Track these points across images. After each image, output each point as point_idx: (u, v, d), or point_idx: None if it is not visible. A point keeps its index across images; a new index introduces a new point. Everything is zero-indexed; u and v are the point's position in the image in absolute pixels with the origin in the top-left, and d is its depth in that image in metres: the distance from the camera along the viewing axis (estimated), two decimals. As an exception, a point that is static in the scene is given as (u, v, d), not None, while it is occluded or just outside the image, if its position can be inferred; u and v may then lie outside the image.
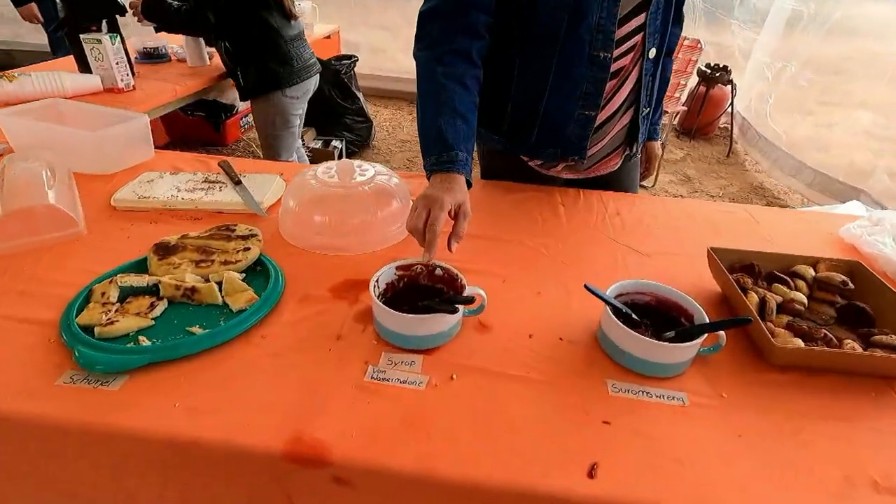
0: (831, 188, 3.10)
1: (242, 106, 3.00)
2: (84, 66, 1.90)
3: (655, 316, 0.77)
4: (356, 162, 1.04)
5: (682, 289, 0.77)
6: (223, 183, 1.16)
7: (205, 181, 1.16)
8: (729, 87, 4.01)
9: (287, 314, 0.79)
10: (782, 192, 3.47)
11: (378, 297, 0.75)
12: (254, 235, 0.93)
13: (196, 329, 0.73)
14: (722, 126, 4.39)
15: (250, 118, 3.06)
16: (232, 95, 2.98)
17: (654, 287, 0.78)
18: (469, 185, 0.91)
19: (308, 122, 3.54)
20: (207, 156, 1.34)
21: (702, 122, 4.18)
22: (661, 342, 0.67)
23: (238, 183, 1.14)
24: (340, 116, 3.51)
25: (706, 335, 0.70)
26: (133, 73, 1.98)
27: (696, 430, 0.64)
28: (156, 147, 1.33)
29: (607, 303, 0.72)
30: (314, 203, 0.97)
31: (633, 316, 0.74)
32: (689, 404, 0.67)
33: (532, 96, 1.09)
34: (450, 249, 0.81)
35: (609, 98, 1.08)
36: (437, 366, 0.71)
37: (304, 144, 3.10)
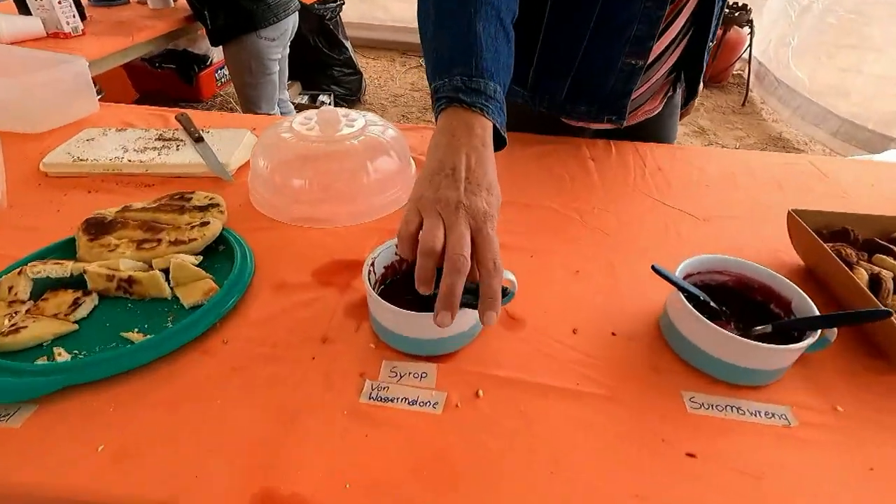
0: (858, 137, 2.89)
1: (218, 56, 2.72)
2: (23, 8, 1.63)
3: (736, 302, 0.60)
4: (341, 110, 0.83)
5: (753, 261, 0.60)
6: (181, 141, 0.95)
7: (158, 139, 0.95)
8: (746, 28, 3.70)
9: (257, 309, 0.61)
10: (803, 143, 3.25)
11: (374, 287, 0.56)
12: (215, 205, 0.74)
13: (135, 335, 0.55)
14: (735, 73, 4.11)
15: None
16: (205, 45, 2.69)
17: (735, 264, 0.60)
18: (503, 143, 0.58)
19: (292, 76, 3.26)
20: (165, 108, 1.12)
21: (716, 69, 3.89)
22: (764, 344, 0.49)
23: (199, 140, 0.93)
24: (327, 68, 3.22)
25: (818, 331, 0.52)
26: (83, 17, 1.72)
27: (811, 461, 0.47)
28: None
29: (682, 289, 0.54)
30: (290, 163, 0.77)
31: (712, 304, 0.56)
32: (796, 424, 0.50)
33: (566, 39, 0.87)
34: (487, 323, 0.46)
35: (658, 36, 0.86)
36: (457, 378, 0.53)
37: (288, 99, 2.84)
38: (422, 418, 0.49)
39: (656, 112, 1.05)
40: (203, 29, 1.91)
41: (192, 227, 0.68)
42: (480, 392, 0.51)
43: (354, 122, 0.81)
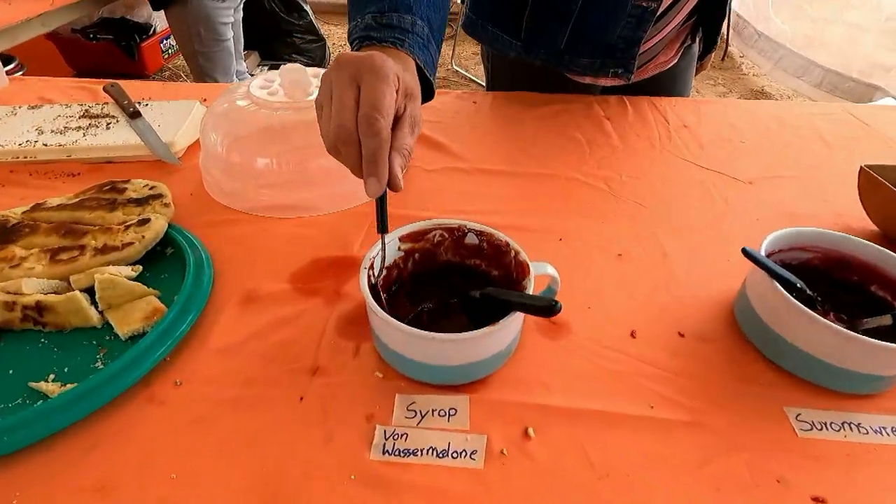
0: (842, 87, 2.83)
1: (163, 24, 2.43)
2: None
3: (823, 285, 0.48)
4: (311, 69, 0.67)
5: (810, 226, 0.48)
6: (113, 117, 0.77)
7: (84, 116, 0.77)
8: (724, -21, 3.57)
9: (220, 334, 0.46)
10: (785, 97, 3.18)
11: (378, 297, 0.42)
12: (157, 197, 0.58)
13: (49, 385, 0.40)
14: (713, 26, 3.98)
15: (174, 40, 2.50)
16: (146, 11, 2.40)
17: (827, 238, 0.48)
18: (430, 91, 0.52)
19: (248, 45, 2.99)
20: (92, 80, 0.92)
21: (694, 23, 3.76)
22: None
23: (134, 115, 0.76)
24: (286, 35, 2.96)
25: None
26: (-9, -22, 1.45)
27: (966, 492, 0.36)
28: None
29: (778, 277, 0.42)
30: (251, 138, 0.61)
31: (809, 292, 0.44)
32: (935, 443, 0.39)
33: None
34: (394, 186, 0.39)
35: None
36: (497, 412, 0.40)
37: (246, 71, 2.59)
38: (457, 477, 0.36)
39: (671, 65, 0.91)
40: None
41: (127, 228, 0.52)
42: (531, 430, 0.39)
43: (328, 83, 0.65)
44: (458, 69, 3.29)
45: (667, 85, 0.94)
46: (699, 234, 0.60)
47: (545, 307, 0.35)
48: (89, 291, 0.46)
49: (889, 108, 0.92)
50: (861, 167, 0.59)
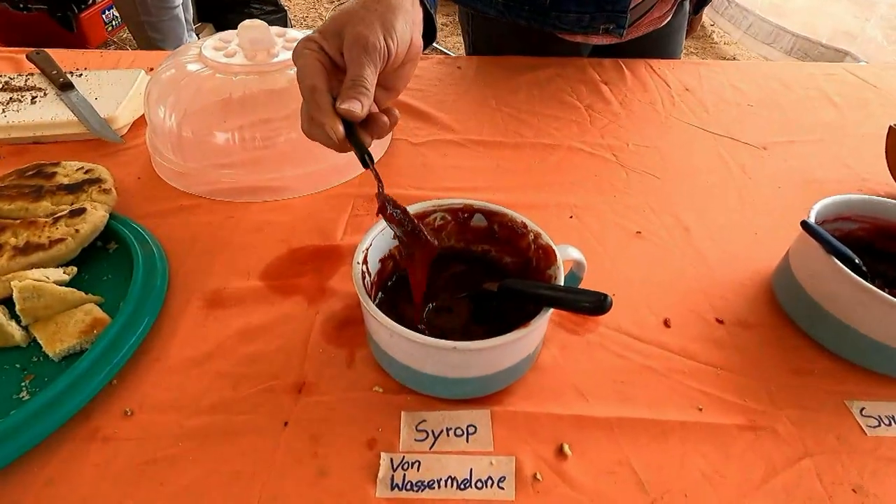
0: (812, 53, 2.84)
1: (102, -6, 2.20)
2: None
3: (870, 257, 0.43)
4: (275, 28, 0.57)
5: (837, 194, 0.43)
6: (40, 90, 0.65)
7: (4, 88, 0.65)
8: (694, -56, 3.52)
9: (180, 347, 0.38)
10: (756, 65, 3.19)
11: (374, 296, 0.35)
12: (94, 182, 0.48)
13: (-44, 425, 0.31)
14: (683, -5, 3.95)
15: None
16: (83, -20, 2.17)
17: (877, 207, 0.43)
18: (432, 33, 0.44)
19: (202, 17, 2.78)
20: (13, 49, 0.79)
21: (664, -9, 3.72)
22: None
23: (66, 87, 0.64)
24: (243, 6, 2.76)
25: None
26: None
27: None
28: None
29: (837, 253, 0.36)
30: (207, 110, 0.52)
31: (862, 268, 0.39)
32: None
33: None
34: (348, 113, 0.33)
35: None
36: (525, 428, 0.34)
37: (200, 46, 2.40)
38: (485, 512, 0.29)
39: (665, 22, 0.85)
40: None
41: (57, 221, 0.43)
42: (566, 448, 0.32)
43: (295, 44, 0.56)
44: (427, 41, 3.16)
45: (659, 45, 0.88)
46: (720, 205, 0.54)
47: (594, 304, 0.28)
48: (9, 302, 0.37)
49: (891, 68, 0.88)
50: (891, 127, 0.55)
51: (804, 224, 0.37)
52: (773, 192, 0.57)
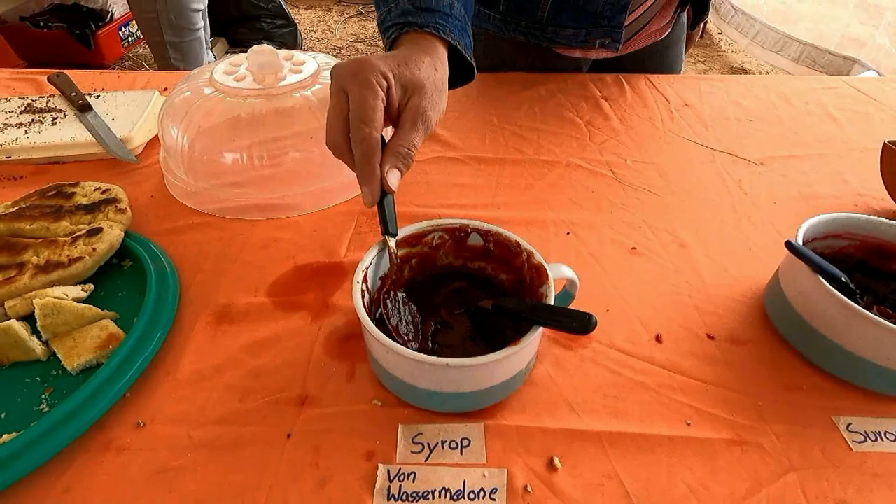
0: (821, 61, 2.83)
1: (120, 9, 2.26)
2: None
3: (861, 274, 0.44)
4: (283, 51, 0.60)
5: (832, 210, 0.44)
6: (60, 111, 0.68)
7: (26, 110, 0.68)
8: (701, -46, 3.53)
9: (190, 361, 0.40)
10: (765, 73, 3.17)
11: (373, 315, 0.36)
12: (110, 202, 0.50)
13: (-19, 435, 0.33)
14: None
15: (135, 27, 2.34)
16: (101, -4, 2.24)
17: (865, 225, 0.44)
18: (471, 72, 0.49)
19: (215, 31, 2.84)
20: (36, 70, 0.83)
21: (672, 0, 3.73)
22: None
23: (84, 108, 0.67)
24: (255, 20, 2.82)
25: None
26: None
27: None
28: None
29: (822, 271, 0.37)
30: (217, 130, 0.54)
31: (851, 285, 0.40)
32: None
33: None
34: (388, 187, 0.36)
35: None
36: (517, 440, 0.35)
37: (214, 59, 2.46)
38: (477, 522, 0.31)
39: (664, 35, 0.86)
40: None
41: (76, 240, 0.45)
42: (557, 460, 0.34)
43: (303, 67, 0.58)
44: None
45: (658, 58, 0.90)
46: (716, 221, 0.55)
47: (578, 324, 0.30)
48: (30, 318, 0.39)
49: (893, 81, 0.89)
50: (885, 143, 0.55)
51: (788, 244, 0.38)
52: (769, 208, 0.58)
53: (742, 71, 3.22)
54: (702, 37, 3.32)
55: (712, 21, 3.81)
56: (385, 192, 0.36)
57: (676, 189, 0.60)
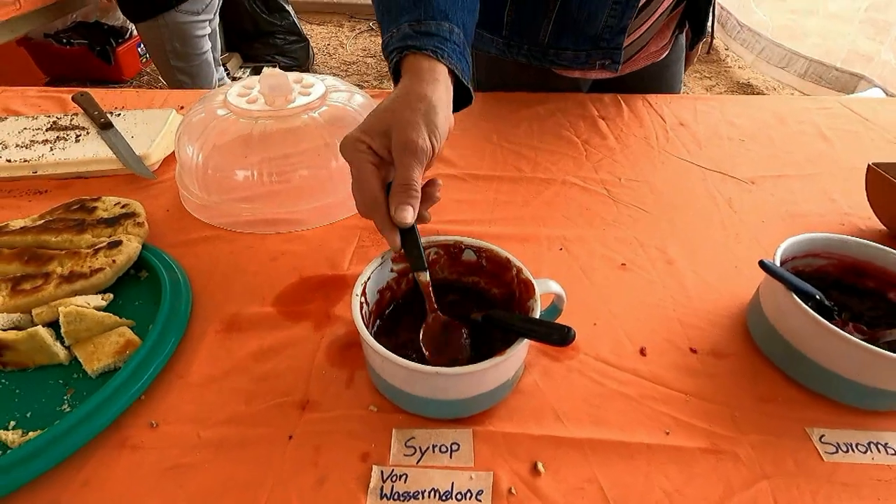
0: (827, 77, 2.84)
1: (139, 28, 2.36)
2: None
3: (840, 292, 0.46)
4: (293, 74, 0.63)
5: (820, 230, 0.46)
6: (83, 129, 0.72)
7: (52, 128, 0.73)
8: (708, -29, 3.57)
9: (200, 366, 0.42)
10: (771, 88, 3.19)
11: (370, 327, 0.39)
12: (129, 216, 0.54)
13: (10, 434, 0.36)
14: (697, 19, 3.99)
15: (153, 44, 2.41)
16: (121, 14, 2.33)
17: (838, 244, 0.46)
18: (469, 96, 0.50)
19: (230, 47, 2.92)
20: (61, 88, 0.87)
21: (678, 16, 3.77)
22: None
23: (106, 126, 0.71)
24: (268, 36, 2.90)
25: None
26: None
27: None
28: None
29: (795, 289, 0.40)
30: (229, 147, 0.57)
31: (826, 302, 0.42)
32: (967, 462, 0.37)
33: None
34: (399, 222, 0.38)
35: None
36: (504, 446, 0.37)
37: (228, 74, 2.52)
38: (464, 521, 0.33)
39: (663, 56, 0.89)
40: (113, -6, 1.58)
41: (97, 251, 0.48)
42: (540, 465, 0.36)
43: (311, 89, 0.61)
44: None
45: (658, 78, 0.92)
46: (704, 239, 0.57)
47: (557, 337, 0.32)
48: (55, 324, 0.42)
49: (886, 101, 0.91)
50: (869, 165, 0.57)
51: (762, 264, 0.40)
52: (757, 226, 0.60)
53: (749, 86, 3.23)
54: (708, 52, 3.37)
55: (719, 37, 3.84)
56: (405, 232, 0.38)
57: (667, 207, 0.62)
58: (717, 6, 3.79)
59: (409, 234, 0.39)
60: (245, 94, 0.60)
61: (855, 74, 2.71)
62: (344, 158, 0.40)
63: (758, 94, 3.19)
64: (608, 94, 0.87)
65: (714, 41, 3.80)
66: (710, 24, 0.89)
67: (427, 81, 0.42)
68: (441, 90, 0.42)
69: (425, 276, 0.39)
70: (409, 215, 0.37)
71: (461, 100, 0.50)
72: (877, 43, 2.74)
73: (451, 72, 0.46)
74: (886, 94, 2.26)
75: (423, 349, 0.38)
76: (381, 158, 0.39)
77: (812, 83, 2.93)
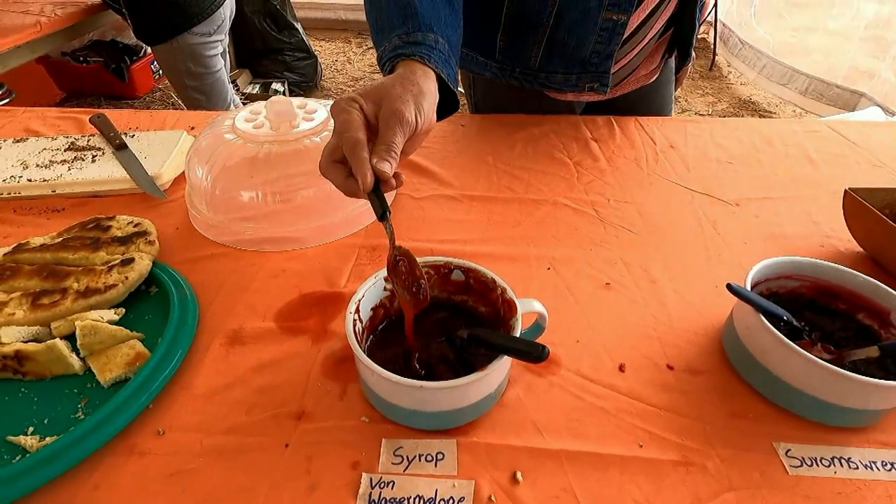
0: (828, 94, 2.86)
1: (153, 46, 2.44)
2: None
3: (812, 313, 0.48)
4: (297, 100, 0.67)
5: (801, 252, 0.48)
6: (99, 150, 0.76)
7: (70, 148, 0.77)
8: (710, -11, 3.62)
9: (205, 377, 0.45)
10: (774, 105, 3.22)
11: (363, 343, 0.42)
12: (141, 234, 0.57)
13: (28, 439, 0.39)
14: (700, 36, 4.04)
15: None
16: (136, 33, 2.41)
17: (809, 267, 0.48)
18: (455, 103, 0.55)
19: (240, 63, 2.99)
20: (80, 109, 0.92)
21: (681, 33, 3.81)
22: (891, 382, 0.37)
23: (120, 147, 0.75)
24: (277, 53, 2.97)
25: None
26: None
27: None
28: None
29: (763, 311, 0.42)
30: (236, 170, 0.61)
31: (795, 323, 0.44)
32: (926, 477, 0.39)
33: None
34: (379, 172, 0.41)
35: None
36: (485, 456, 0.40)
37: (237, 90, 2.59)
38: (445, 526, 0.35)
39: (654, 79, 0.92)
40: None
41: (111, 268, 0.52)
42: (519, 475, 0.38)
43: (314, 115, 0.65)
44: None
45: (649, 100, 0.95)
46: (687, 260, 0.60)
47: (532, 354, 0.35)
48: (71, 336, 0.45)
49: (874, 125, 0.93)
50: (846, 191, 0.60)
51: (729, 287, 0.42)
52: (740, 248, 0.62)
53: (750, 103, 3.26)
54: (710, 69, 3.39)
55: (721, 54, 3.88)
56: (377, 182, 0.40)
57: (653, 228, 0.65)
58: (719, 23, 3.84)
59: (377, 185, 0.41)
60: (252, 119, 0.64)
61: (856, 92, 2.73)
62: (332, 115, 0.43)
63: (759, 110, 3.21)
64: (601, 116, 0.90)
65: (716, 58, 3.84)
66: (711, 41, 0.92)
67: (419, 75, 0.47)
68: (430, 85, 0.47)
69: (388, 225, 0.41)
70: (387, 168, 0.40)
71: (448, 106, 0.54)
72: (878, 60, 2.76)
73: (437, 77, 0.50)
74: (886, 112, 2.27)
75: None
76: (368, 121, 0.43)
77: (813, 100, 2.95)
